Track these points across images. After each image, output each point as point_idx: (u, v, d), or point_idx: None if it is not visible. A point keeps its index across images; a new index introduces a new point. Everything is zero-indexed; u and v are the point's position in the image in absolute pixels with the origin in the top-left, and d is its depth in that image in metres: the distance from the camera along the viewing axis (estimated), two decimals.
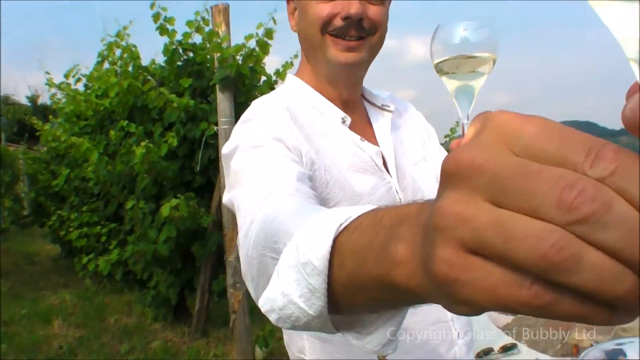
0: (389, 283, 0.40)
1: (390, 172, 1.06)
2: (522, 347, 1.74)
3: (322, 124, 1.04)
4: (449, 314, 1.03)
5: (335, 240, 0.47)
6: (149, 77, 4.64)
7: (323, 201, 0.93)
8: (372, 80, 1.20)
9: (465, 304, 0.31)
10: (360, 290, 0.45)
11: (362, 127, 1.10)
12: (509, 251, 0.28)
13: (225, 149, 0.98)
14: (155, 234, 3.97)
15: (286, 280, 0.50)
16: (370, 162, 1.03)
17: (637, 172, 0.26)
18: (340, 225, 0.47)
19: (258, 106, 1.05)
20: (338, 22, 0.98)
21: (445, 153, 1.24)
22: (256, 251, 0.65)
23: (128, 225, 4.57)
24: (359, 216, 0.47)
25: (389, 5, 1.05)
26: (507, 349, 1.71)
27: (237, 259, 3.77)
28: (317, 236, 0.48)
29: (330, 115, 1.05)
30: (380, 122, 1.13)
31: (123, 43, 5.05)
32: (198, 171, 4.12)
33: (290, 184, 0.79)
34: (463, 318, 1.06)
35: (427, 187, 1.10)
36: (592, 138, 0.28)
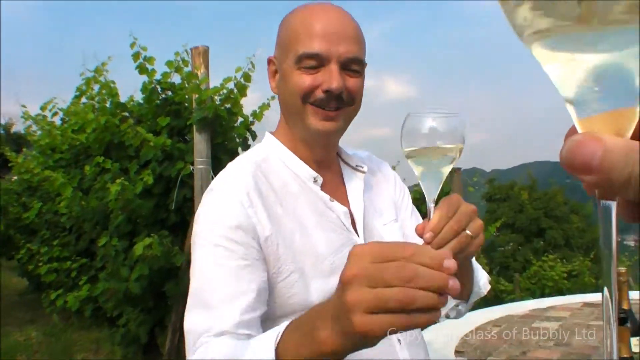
0: (319, 355, 0.72)
1: (358, 232, 1.10)
2: None
3: (294, 183, 1.09)
4: (393, 337, 1.05)
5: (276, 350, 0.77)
6: (127, 115, 4.68)
7: (278, 272, 1.00)
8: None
9: (369, 340, 0.67)
10: None
11: (334, 186, 1.14)
12: (384, 307, 0.64)
13: (194, 229, 1.04)
14: (127, 272, 3.94)
15: None
16: (337, 222, 1.07)
17: (427, 255, 0.65)
18: (275, 339, 0.78)
19: (224, 179, 1.08)
20: (319, 93, 1.02)
21: (418, 215, 1.31)
22: None
23: (100, 262, 4.52)
24: (284, 329, 0.78)
25: (364, 75, 1.10)
26: None
27: None
28: (264, 349, 0.78)
29: (303, 175, 1.09)
30: (353, 183, 1.17)
31: (101, 79, 5.09)
32: (173, 209, 4.13)
33: (233, 320, 0.91)
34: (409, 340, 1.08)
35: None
36: (405, 245, 0.67)
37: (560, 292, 9.04)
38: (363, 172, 1.19)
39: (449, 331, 2.58)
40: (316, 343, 0.71)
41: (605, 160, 0.31)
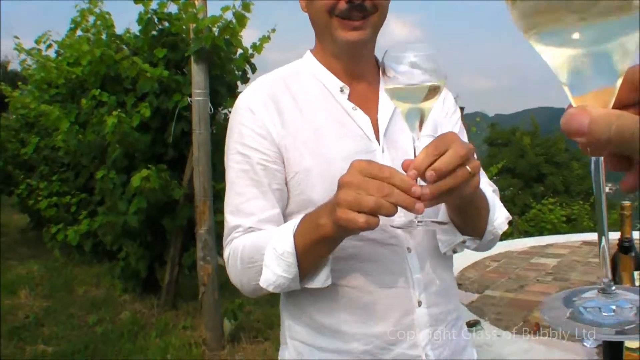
0: (320, 237, 0.92)
1: (380, 141, 1.11)
2: (485, 324, 1.78)
3: (320, 93, 1.14)
4: (409, 282, 1.07)
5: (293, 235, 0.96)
6: (123, 46, 4.55)
7: (288, 172, 1.10)
8: None
9: (348, 227, 0.84)
10: (309, 252, 0.96)
11: (365, 96, 1.15)
12: (361, 208, 0.82)
13: (227, 137, 1.16)
14: (125, 206, 3.93)
15: (272, 267, 0.98)
16: (357, 130, 1.10)
17: (398, 179, 0.83)
18: (293, 227, 0.97)
19: (246, 90, 1.17)
20: (342, 5, 1.05)
21: (464, 134, 1.26)
22: (242, 265, 1.05)
23: (98, 196, 4.50)
24: (300, 221, 0.97)
25: None
26: (471, 325, 1.75)
27: (208, 231, 3.78)
28: (283, 238, 0.97)
29: (330, 86, 1.14)
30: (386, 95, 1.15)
31: (97, 10, 4.93)
32: (170, 143, 4.07)
33: (256, 218, 1.08)
34: (433, 291, 1.09)
35: None
36: (384, 168, 0.85)
37: (559, 233, 9.11)
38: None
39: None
40: (318, 228, 0.92)
41: (591, 126, 0.42)
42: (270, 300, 5.36)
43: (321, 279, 1.00)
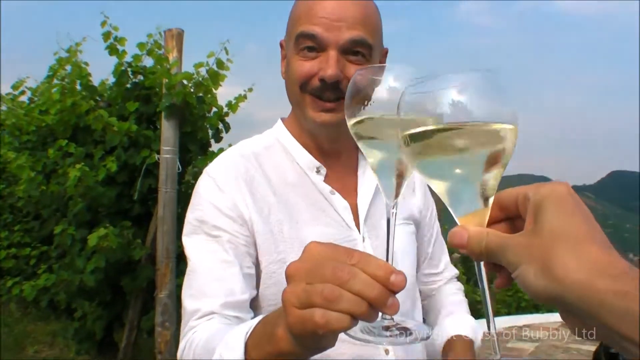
0: (278, 353, 0.69)
1: (360, 229, 1.04)
2: None
3: (294, 173, 1.07)
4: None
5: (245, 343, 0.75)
6: (97, 98, 4.45)
7: (260, 260, 1.02)
8: None
9: (304, 335, 0.62)
10: None
11: (343, 178, 1.09)
12: (310, 301, 0.59)
13: (187, 212, 1.06)
14: (83, 263, 3.72)
15: None
16: (336, 216, 1.03)
17: (373, 264, 0.59)
18: (246, 333, 0.76)
19: (218, 165, 1.09)
20: (315, 82, 0.98)
21: (442, 242, 1.31)
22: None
23: (55, 252, 4.29)
24: (256, 324, 0.76)
25: (380, 54, 1.04)
26: None
27: (169, 296, 3.57)
28: (233, 348, 0.76)
29: (305, 165, 1.07)
30: (367, 175, 1.11)
31: (74, 59, 4.85)
32: (136, 200, 3.91)
33: (218, 301, 0.95)
34: None
35: (400, 248, 1.08)
36: (353, 251, 0.62)
37: (536, 306, 8.96)
38: None
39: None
40: (273, 340, 0.69)
41: (469, 241, 0.55)
42: None
43: None
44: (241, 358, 0.74)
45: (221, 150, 3.84)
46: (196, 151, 3.84)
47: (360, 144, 0.69)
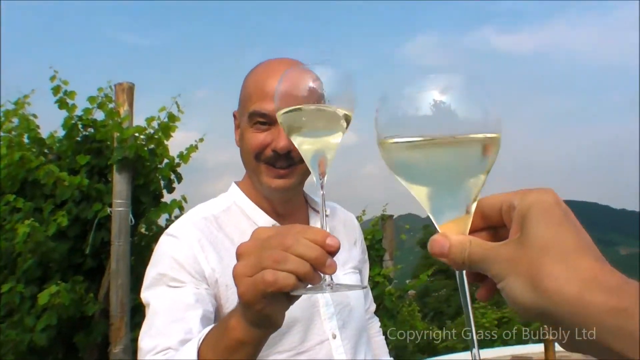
0: (233, 343, 0.76)
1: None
2: None
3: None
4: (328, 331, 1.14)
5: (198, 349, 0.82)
6: (46, 151, 4.41)
7: (228, 309, 1.09)
8: None
9: (252, 300, 0.71)
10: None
11: None
12: (261, 265, 0.68)
13: (149, 267, 1.14)
14: (33, 321, 3.62)
15: None
16: None
17: (312, 231, 0.70)
18: (199, 340, 0.83)
19: (181, 225, 1.17)
20: (269, 152, 1.09)
21: (367, 266, 1.44)
22: None
23: (2, 310, 4.15)
24: (209, 329, 0.85)
25: None
26: None
27: (124, 350, 3.52)
28: (187, 353, 0.83)
29: (263, 224, 1.16)
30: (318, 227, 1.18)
31: (22, 112, 4.81)
32: (89, 254, 3.86)
33: (177, 338, 1.00)
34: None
35: (353, 294, 1.21)
36: (294, 225, 0.71)
37: (491, 339, 9.12)
38: (326, 215, 1.15)
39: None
40: (228, 331, 0.77)
41: (450, 249, 0.52)
42: None
43: None
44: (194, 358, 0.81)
45: (174, 201, 3.87)
46: (149, 203, 3.85)
47: (291, 134, 0.78)
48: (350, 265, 1.28)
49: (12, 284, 3.74)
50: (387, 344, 1.46)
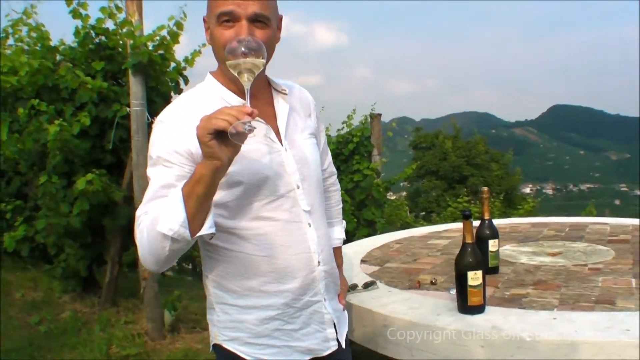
0: (197, 178, 1.16)
1: (282, 143, 1.46)
2: (381, 284, 2.26)
3: None
4: (312, 249, 1.46)
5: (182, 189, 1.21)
6: (61, 58, 4.78)
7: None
8: (281, 66, 1.61)
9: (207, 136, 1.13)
10: (191, 195, 1.17)
11: (263, 109, 1.44)
12: (214, 121, 1.12)
13: (149, 150, 1.40)
14: (67, 208, 4.19)
15: (168, 216, 1.19)
16: (264, 137, 1.43)
17: (241, 106, 1.19)
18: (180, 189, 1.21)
19: (168, 112, 1.42)
20: (234, 44, 1.33)
21: (323, 133, 1.73)
22: (148, 236, 1.24)
23: (33, 202, 4.71)
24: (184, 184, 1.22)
25: (276, 20, 1.46)
26: (368, 285, 2.22)
27: None
28: (175, 191, 1.22)
29: (233, 104, 1.41)
30: (280, 105, 1.53)
31: (31, 21, 5.11)
32: (109, 150, 4.37)
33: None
34: (325, 252, 1.52)
35: (311, 155, 1.53)
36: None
37: None
38: (285, 93, 1.54)
39: (359, 247, 3.07)
40: (195, 173, 1.18)
41: None
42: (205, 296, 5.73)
43: (206, 227, 1.22)
44: (179, 192, 1.19)
45: None
46: (160, 102, 4.30)
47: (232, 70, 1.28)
48: (307, 132, 1.57)
49: (46, 177, 4.27)
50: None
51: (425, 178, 26.56)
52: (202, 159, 1.16)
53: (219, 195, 1.32)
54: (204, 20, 1.47)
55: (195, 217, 1.20)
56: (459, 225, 3.97)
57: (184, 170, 1.31)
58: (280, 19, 1.49)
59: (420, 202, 24.60)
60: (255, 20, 1.37)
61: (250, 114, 1.13)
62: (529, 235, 3.27)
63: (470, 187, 24.93)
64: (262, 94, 1.51)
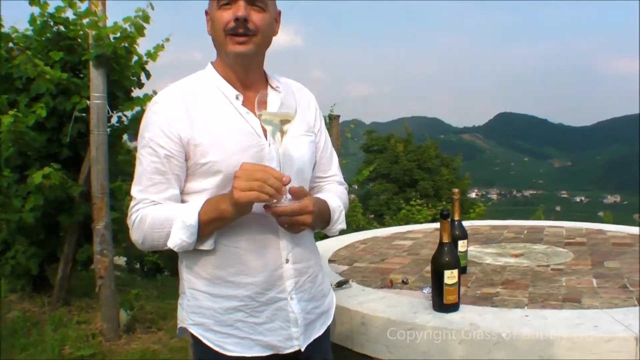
0: (219, 216, 1.32)
1: (267, 138, 1.45)
2: (353, 283, 2.28)
3: (220, 100, 1.45)
4: (280, 245, 1.47)
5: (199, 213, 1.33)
6: (12, 46, 4.59)
7: (197, 164, 1.41)
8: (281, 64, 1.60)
9: (240, 202, 1.26)
10: (207, 226, 1.34)
11: (255, 103, 1.45)
12: (250, 186, 1.24)
13: (141, 130, 1.45)
14: (20, 203, 4.03)
15: (179, 234, 1.33)
16: (250, 129, 1.45)
17: (276, 172, 1.27)
18: (200, 207, 1.34)
19: (161, 95, 1.46)
20: (231, 24, 1.39)
21: (324, 135, 1.70)
22: (150, 228, 1.38)
23: None
24: (204, 203, 1.35)
25: (274, 12, 1.48)
26: (341, 283, 2.23)
27: (105, 227, 4.00)
28: (191, 214, 1.33)
29: (228, 94, 1.46)
30: (272, 100, 1.52)
31: None
32: (66, 144, 4.22)
33: (164, 194, 1.42)
34: (298, 251, 1.50)
35: (298, 155, 1.52)
36: (265, 167, 1.29)
37: None
38: (278, 91, 1.55)
39: (325, 247, 3.08)
40: (218, 211, 1.31)
41: None
42: (161, 296, 5.62)
43: (209, 244, 1.39)
44: (196, 219, 1.32)
45: (146, 95, 4.24)
46: (122, 96, 4.19)
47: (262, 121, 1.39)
48: (300, 130, 1.56)
49: None
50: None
51: (377, 181, 26.84)
52: (231, 205, 1.29)
53: (200, 183, 1.41)
54: (206, 12, 1.49)
55: (202, 239, 1.37)
56: (420, 227, 4.05)
57: (172, 153, 1.39)
58: (278, 13, 1.52)
59: (371, 204, 24.82)
60: (253, 4, 1.40)
61: (284, 192, 1.29)
62: (491, 237, 3.36)
63: (421, 191, 25.29)
64: (257, 86, 1.52)
